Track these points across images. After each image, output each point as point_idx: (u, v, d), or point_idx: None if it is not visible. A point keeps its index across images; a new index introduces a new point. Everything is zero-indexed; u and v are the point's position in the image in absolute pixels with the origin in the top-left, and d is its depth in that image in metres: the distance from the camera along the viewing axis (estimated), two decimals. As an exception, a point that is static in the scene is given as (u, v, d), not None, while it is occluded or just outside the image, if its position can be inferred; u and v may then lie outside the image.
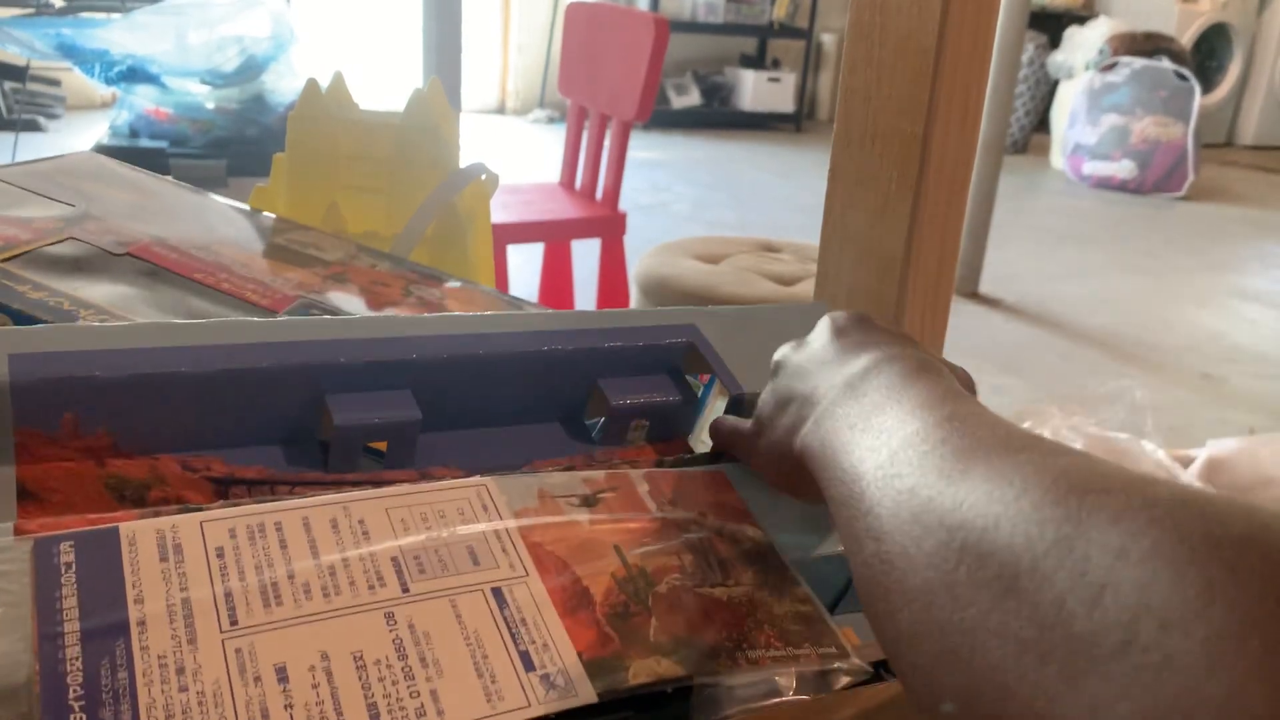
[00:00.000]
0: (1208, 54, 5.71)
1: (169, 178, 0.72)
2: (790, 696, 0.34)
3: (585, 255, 2.07)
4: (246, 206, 0.72)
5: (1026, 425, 1.28)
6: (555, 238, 1.95)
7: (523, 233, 1.86)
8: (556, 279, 2.02)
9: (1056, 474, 0.22)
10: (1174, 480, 0.21)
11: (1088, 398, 1.34)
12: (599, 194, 1.97)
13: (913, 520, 0.25)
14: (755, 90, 5.58)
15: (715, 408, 0.51)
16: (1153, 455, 1.19)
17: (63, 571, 0.30)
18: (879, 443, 0.29)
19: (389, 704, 0.29)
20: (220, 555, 0.32)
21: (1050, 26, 5.57)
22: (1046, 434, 1.20)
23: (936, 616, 0.22)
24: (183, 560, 0.32)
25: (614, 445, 0.49)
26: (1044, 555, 0.20)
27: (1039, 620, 0.20)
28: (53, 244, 0.54)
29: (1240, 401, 2.28)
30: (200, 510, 0.34)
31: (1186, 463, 1.23)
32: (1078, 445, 1.19)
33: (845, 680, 0.35)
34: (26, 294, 0.49)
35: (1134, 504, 0.20)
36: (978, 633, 0.21)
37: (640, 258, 1.76)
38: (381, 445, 0.45)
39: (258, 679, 0.28)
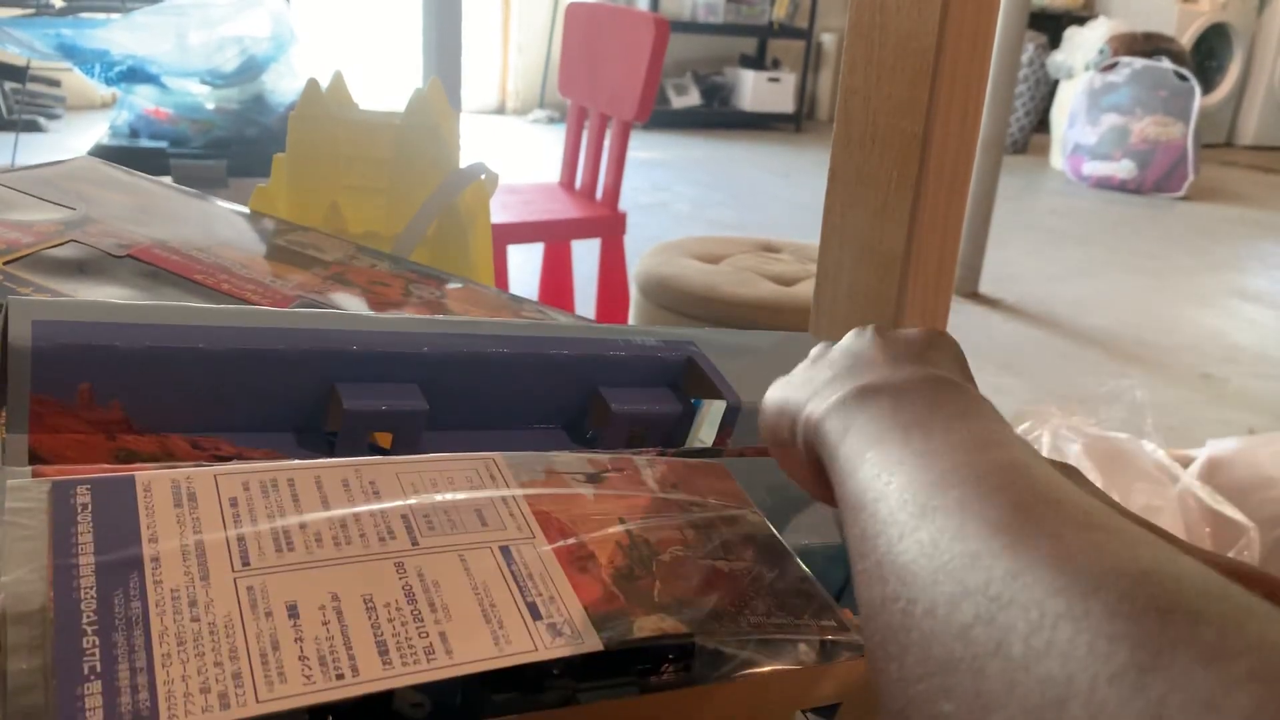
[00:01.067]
0: (1207, 54, 5.72)
1: (169, 181, 0.72)
2: (791, 665, 0.34)
3: (585, 255, 2.07)
4: (246, 209, 0.72)
5: (1026, 425, 1.28)
6: (555, 238, 1.95)
7: (523, 233, 1.86)
8: (556, 279, 2.02)
9: (1137, 575, 0.18)
10: (1265, 605, 0.17)
11: (1088, 397, 1.34)
12: (599, 194, 1.97)
13: (950, 575, 0.21)
14: (755, 90, 5.58)
15: (708, 423, 0.52)
16: (1153, 455, 1.19)
17: (79, 511, 0.31)
18: (929, 456, 0.25)
19: (398, 642, 0.30)
20: (234, 505, 0.33)
21: (1050, 27, 5.58)
22: (1046, 435, 1.20)
23: (956, 707, 0.19)
24: (197, 507, 0.32)
25: (609, 450, 0.50)
26: (1109, 682, 0.16)
27: None
28: (54, 247, 0.55)
29: (1240, 401, 2.28)
30: (214, 466, 0.35)
31: (1186, 463, 1.24)
32: (1076, 446, 1.19)
33: (846, 655, 0.35)
34: (29, 296, 0.49)
35: (1230, 647, 0.16)
36: None
37: (640, 257, 1.76)
38: (386, 441, 0.45)
39: (269, 614, 0.29)
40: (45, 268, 0.53)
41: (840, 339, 0.38)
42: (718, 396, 0.51)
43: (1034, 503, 0.22)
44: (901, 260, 0.60)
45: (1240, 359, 2.54)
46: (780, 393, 0.37)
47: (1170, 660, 0.16)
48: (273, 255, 0.64)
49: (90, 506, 0.31)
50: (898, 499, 0.24)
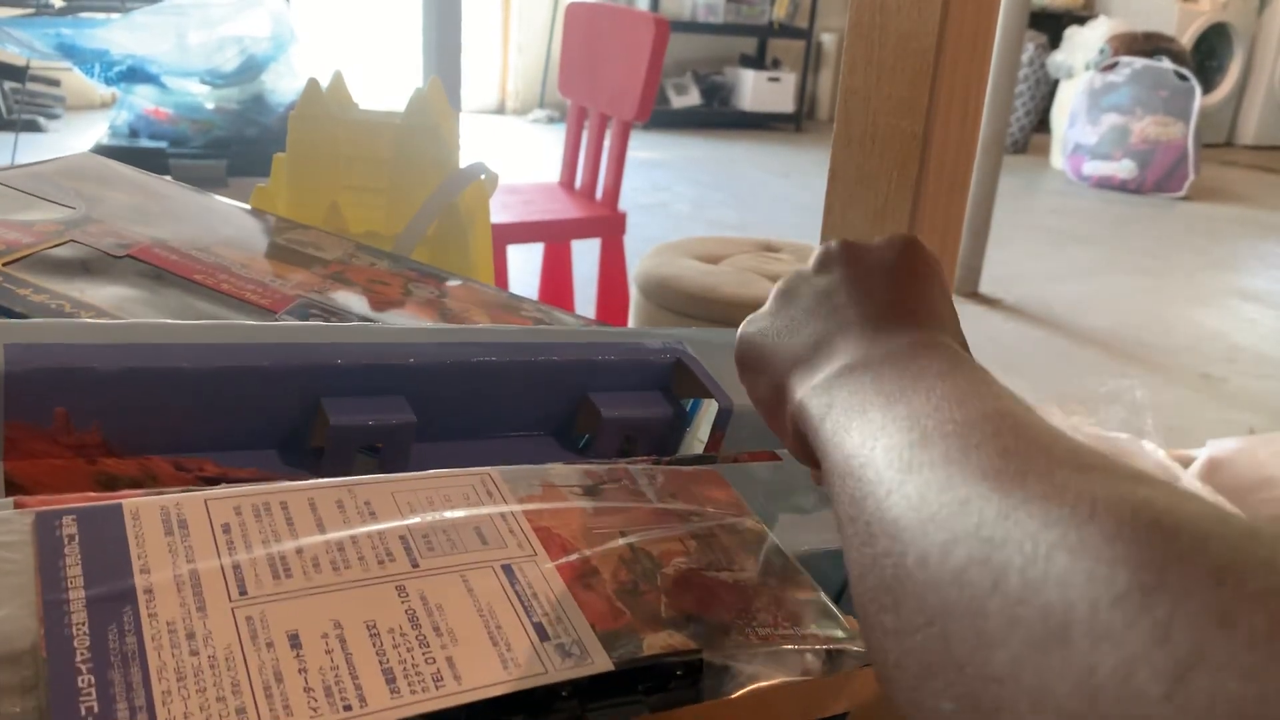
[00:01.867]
0: (1208, 54, 5.71)
1: (169, 178, 0.72)
2: (799, 677, 0.34)
3: (585, 255, 2.07)
4: (247, 206, 0.72)
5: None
6: (555, 238, 1.95)
7: (523, 233, 1.86)
8: (556, 279, 2.02)
9: (1136, 505, 0.17)
10: (1271, 529, 0.16)
11: (1088, 397, 1.34)
12: (599, 194, 1.97)
13: (941, 522, 0.20)
14: (755, 90, 5.58)
15: (702, 427, 0.52)
16: (1153, 455, 1.19)
17: (66, 543, 0.30)
18: (911, 418, 0.24)
19: (405, 669, 0.29)
20: (226, 531, 0.32)
21: (1050, 26, 5.57)
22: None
23: (955, 651, 0.18)
24: (188, 534, 0.31)
25: (604, 460, 0.49)
26: (1112, 605, 0.16)
27: (1093, 687, 0.15)
28: (53, 247, 0.55)
29: (1240, 401, 2.28)
30: (204, 490, 0.34)
31: (1186, 462, 1.23)
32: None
33: (853, 663, 0.35)
34: (29, 297, 0.49)
35: (1241, 564, 0.15)
36: (1006, 685, 0.17)
37: (640, 258, 1.76)
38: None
39: (270, 645, 0.28)
40: (45, 268, 0.53)
41: (807, 259, 0.36)
42: (708, 397, 0.51)
43: (1022, 448, 0.21)
44: (901, 260, 0.60)
45: (1240, 359, 2.54)
46: (755, 344, 0.35)
47: (1177, 578, 0.15)
48: (273, 254, 0.64)
49: (77, 537, 0.30)
50: (884, 459, 0.23)
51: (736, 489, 0.43)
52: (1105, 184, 4.66)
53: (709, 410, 0.51)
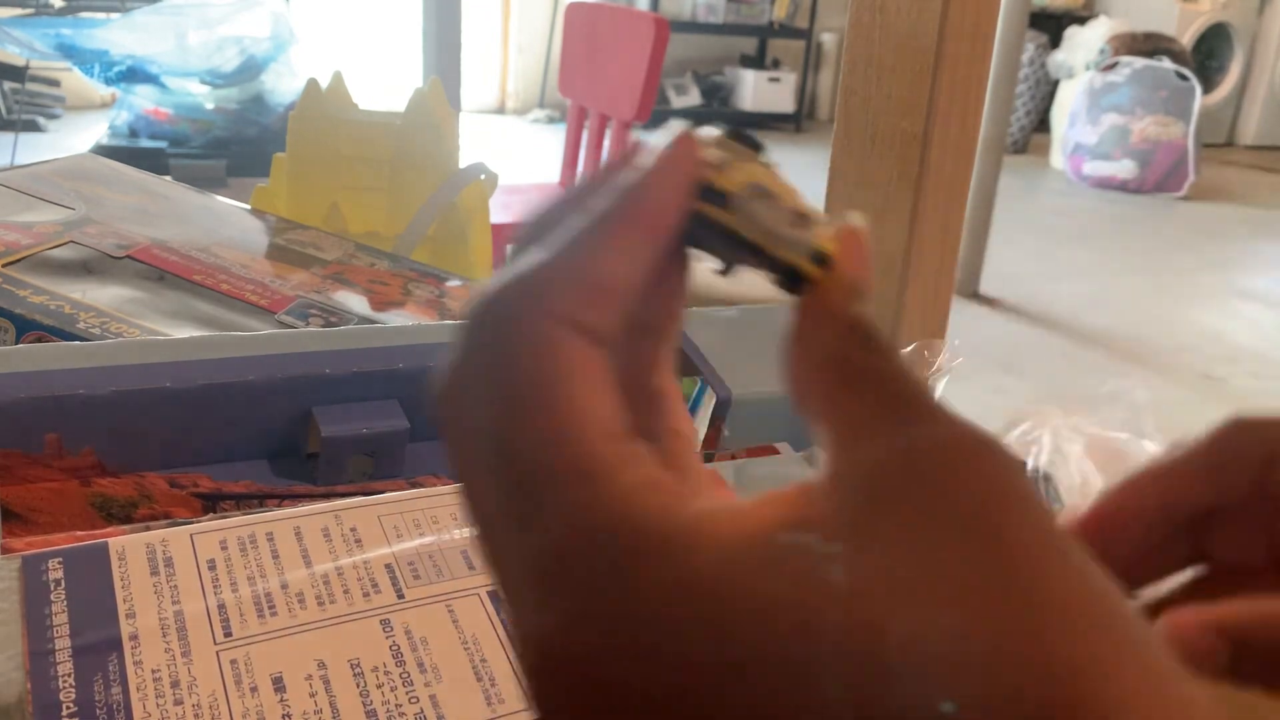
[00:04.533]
0: (1208, 54, 5.71)
1: (169, 178, 0.72)
2: None
3: (585, 255, 2.07)
4: (247, 207, 0.72)
5: (1026, 425, 1.27)
6: (555, 238, 1.95)
7: (523, 233, 1.86)
8: (556, 279, 2.02)
9: None
10: None
11: (1088, 398, 1.33)
12: (599, 194, 1.97)
13: None
14: (755, 90, 5.58)
15: (706, 410, 0.51)
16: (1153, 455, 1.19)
17: (52, 588, 0.30)
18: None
19: (388, 710, 0.29)
20: (212, 567, 0.32)
21: (1050, 26, 5.57)
22: (1046, 435, 1.20)
23: None
24: (174, 573, 0.31)
25: None
26: None
27: None
28: (53, 248, 0.55)
29: (1240, 401, 2.28)
30: (190, 523, 0.34)
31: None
32: (1077, 445, 1.18)
33: None
34: (28, 298, 0.49)
35: None
36: None
37: (640, 258, 1.76)
38: None
39: (254, 689, 0.28)
40: (45, 269, 0.53)
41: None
42: (697, 376, 0.50)
43: None
44: (901, 260, 0.60)
45: (1240, 359, 2.54)
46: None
47: None
48: (272, 254, 0.64)
49: (64, 582, 0.30)
50: None
51: (735, 486, 0.43)
52: (1105, 184, 4.66)
53: (708, 404, 0.51)
